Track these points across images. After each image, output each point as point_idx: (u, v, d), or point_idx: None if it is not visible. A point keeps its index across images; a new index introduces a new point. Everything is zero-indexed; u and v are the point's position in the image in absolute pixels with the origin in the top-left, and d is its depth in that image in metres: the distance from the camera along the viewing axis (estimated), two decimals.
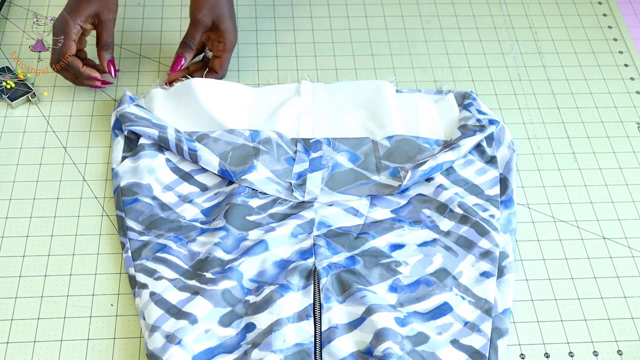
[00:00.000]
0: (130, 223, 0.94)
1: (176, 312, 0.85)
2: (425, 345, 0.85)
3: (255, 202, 0.96)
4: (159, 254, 0.90)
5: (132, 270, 0.90)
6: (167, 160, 1.00)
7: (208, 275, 0.88)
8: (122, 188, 0.97)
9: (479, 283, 0.90)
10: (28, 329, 0.87)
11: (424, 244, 0.94)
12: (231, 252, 0.91)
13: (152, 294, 0.87)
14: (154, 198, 0.96)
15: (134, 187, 0.97)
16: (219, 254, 0.91)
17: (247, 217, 0.95)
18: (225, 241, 0.92)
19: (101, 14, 1.04)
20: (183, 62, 1.08)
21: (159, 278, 0.88)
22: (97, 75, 1.06)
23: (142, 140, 1.01)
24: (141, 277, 0.89)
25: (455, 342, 0.86)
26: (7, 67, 1.11)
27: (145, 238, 0.92)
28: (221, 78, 1.10)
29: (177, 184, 0.99)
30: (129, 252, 0.92)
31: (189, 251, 0.92)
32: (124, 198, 0.96)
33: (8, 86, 1.08)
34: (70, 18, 1.02)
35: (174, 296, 0.87)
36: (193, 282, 0.88)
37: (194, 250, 0.92)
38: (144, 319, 0.86)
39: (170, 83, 1.09)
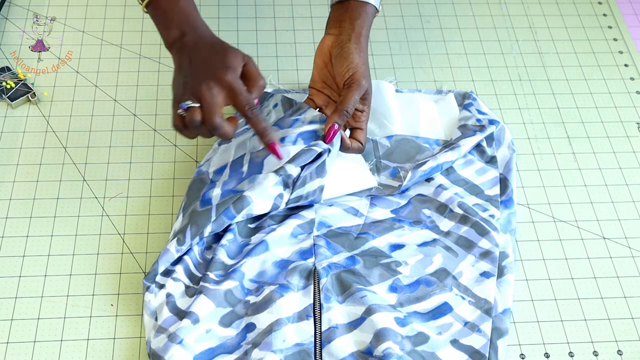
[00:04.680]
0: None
1: (183, 316, 0.85)
2: (425, 345, 0.85)
3: (257, 210, 0.95)
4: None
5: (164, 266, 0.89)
6: None
7: (211, 275, 0.88)
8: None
9: (479, 283, 0.90)
10: (28, 329, 0.87)
11: (424, 244, 0.94)
12: (234, 258, 0.91)
13: (168, 295, 0.87)
14: None
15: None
16: (223, 256, 0.91)
17: (249, 225, 0.95)
18: (230, 245, 0.92)
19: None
20: (336, 129, 0.93)
21: (176, 279, 0.88)
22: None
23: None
24: (159, 278, 0.89)
25: (455, 342, 0.86)
26: (7, 67, 1.11)
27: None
28: (361, 152, 0.97)
29: None
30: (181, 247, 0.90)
31: (203, 258, 0.92)
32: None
33: (8, 86, 1.08)
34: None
35: (185, 303, 0.87)
36: (199, 284, 0.88)
37: (207, 257, 0.92)
38: (156, 319, 0.86)
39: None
